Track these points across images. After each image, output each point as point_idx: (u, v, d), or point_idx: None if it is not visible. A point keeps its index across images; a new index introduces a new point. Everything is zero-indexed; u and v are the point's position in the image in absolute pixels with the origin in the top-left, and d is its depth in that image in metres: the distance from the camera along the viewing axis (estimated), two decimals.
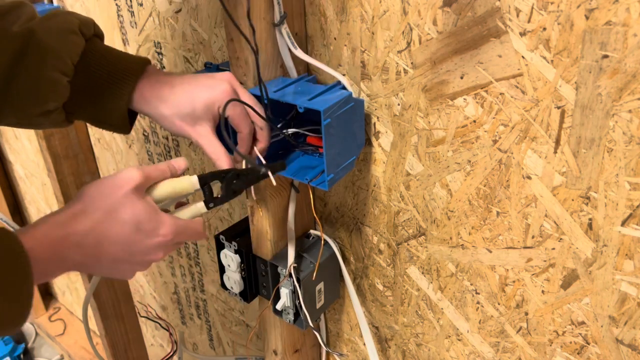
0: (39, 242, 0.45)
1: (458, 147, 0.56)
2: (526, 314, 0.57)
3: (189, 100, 0.56)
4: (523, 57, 0.47)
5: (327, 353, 0.86)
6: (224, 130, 0.52)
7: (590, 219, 0.48)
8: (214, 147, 0.57)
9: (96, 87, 0.56)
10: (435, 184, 0.59)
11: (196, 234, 0.54)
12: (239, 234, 0.74)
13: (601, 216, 0.48)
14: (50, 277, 0.47)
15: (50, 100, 0.55)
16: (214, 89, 0.56)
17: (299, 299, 0.68)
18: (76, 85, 0.56)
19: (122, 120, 0.58)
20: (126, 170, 0.50)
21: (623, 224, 0.46)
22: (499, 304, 0.59)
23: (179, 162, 0.55)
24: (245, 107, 0.57)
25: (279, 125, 0.64)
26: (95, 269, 0.50)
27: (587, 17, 0.42)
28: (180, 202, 0.56)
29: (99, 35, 0.59)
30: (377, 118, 0.62)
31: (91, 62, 0.56)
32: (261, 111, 0.58)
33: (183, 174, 0.56)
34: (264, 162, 0.59)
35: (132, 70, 0.57)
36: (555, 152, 0.48)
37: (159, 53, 0.90)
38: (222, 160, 0.57)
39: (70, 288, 1.94)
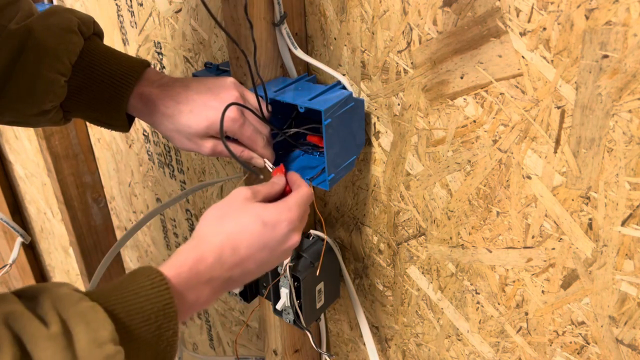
0: (178, 272, 0.45)
1: (458, 147, 0.56)
2: (526, 314, 0.57)
3: (197, 122, 0.55)
4: (523, 57, 0.47)
5: (327, 353, 0.86)
6: (226, 145, 0.53)
7: (590, 219, 0.48)
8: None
9: (94, 87, 0.56)
10: (435, 184, 0.59)
11: (306, 194, 0.54)
12: None
13: (601, 216, 0.48)
14: (202, 305, 0.47)
15: (47, 100, 0.54)
16: (221, 110, 0.54)
17: (299, 299, 0.68)
18: (74, 85, 0.55)
19: (121, 121, 0.58)
20: (235, 189, 0.52)
21: (623, 224, 0.46)
22: (499, 304, 0.59)
23: (281, 179, 0.55)
24: (254, 123, 0.57)
25: (284, 127, 0.64)
26: (245, 277, 0.50)
27: (587, 17, 0.42)
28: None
29: (98, 33, 0.59)
30: (377, 118, 0.62)
31: (89, 63, 0.55)
32: (266, 114, 0.58)
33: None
34: (271, 167, 0.59)
35: (131, 72, 0.56)
36: (555, 152, 0.48)
37: (159, 53, 0.90)
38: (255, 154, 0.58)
39: None
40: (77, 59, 0.55)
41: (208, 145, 0.57)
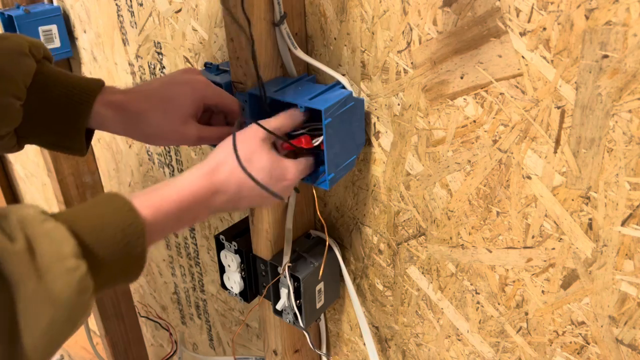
0: (189, 190, 0.49)
1: (458, 147, 0.56)
2: (526, 314, 0.57)
3: (169, 113, 0.56)
4: (523, 57, 0.47)
5: (327, 353, 0.86)
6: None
7: (590, 219, 0.48)
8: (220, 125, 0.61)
9: (51, 109, 0.55)
10: (435, 184, 0.59)
11: (310, 166, 0.58)
12: (239, 234, 0.74)
13: (601, 216, 0.48)
14: (197, 219, 0.51)
15: (2, 125, 0.53)
16: (185, 94, 0.57)
17: (299, 299, 0.68)
18: (29, 109, 0.54)
19: (79, 143, 0.57)
20: (251, 125, 0.54)
21: (623, 224, 0.46)
22: (499, 304, 0.59)
23: (297, 113, 0.57)
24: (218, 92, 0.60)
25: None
26: (233, 209, 0.55)
27: (587, 17, 0.42)
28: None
29: (48, 57, 0.58)
30: (377, 118, 0.62)
31: (44, 84, 0.55)
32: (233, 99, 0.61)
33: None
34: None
35: (89, 89, 0.56)
36: (555, 152, 0.48)
37: (159, 53, 0.90)
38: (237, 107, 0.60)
39: None
40: (31, 81, 0.54)
41: (192, 131, 0.57)
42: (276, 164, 0.53)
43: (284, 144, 0.57)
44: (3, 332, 0.36)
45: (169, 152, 1.01)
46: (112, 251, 0.42)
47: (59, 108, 0.55)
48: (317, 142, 0.57)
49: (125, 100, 0.57)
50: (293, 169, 0.55)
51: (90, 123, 0.57)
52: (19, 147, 0.58)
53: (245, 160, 0.52)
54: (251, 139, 0.53)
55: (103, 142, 1.23)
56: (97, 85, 0.57)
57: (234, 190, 0.52)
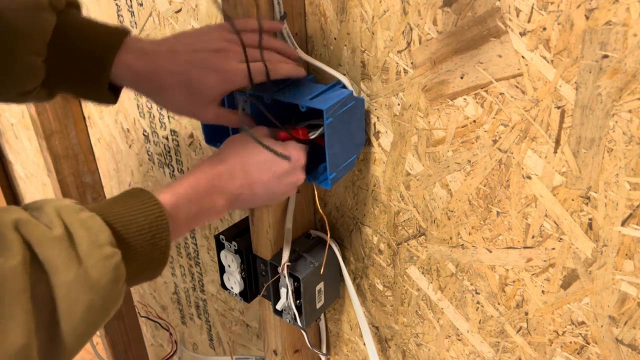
0: (202, 175, 0.51)
1: (458, 147, 0.56)
2: (526, 314, 0.57)
3: (193, 96, 0.55)
4: (523, 57, 0.47)
5: (327, 353, 0.86)
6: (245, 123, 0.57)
7: (590, 219, 0.48)
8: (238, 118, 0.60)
9: (73, 63, 0.54)
10: (435, 184, 0.59)
11: (305, 150, 0.59)
12: (239, 234, 0.74)
13: (601, 216, 0.48)
14: (215, 208, 0.52)
15: (27, 82, 0.53)
16: (215, 85, 0.55)
17: (299, 299, 0.68)
18: (52, 64, 0.54)
19: (106, 96, 0.57)
20: (256, 128, 0.58)
21: (623, 224, 0.46)
22: (499, 304, 0.59)
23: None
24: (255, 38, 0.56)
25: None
26: (252, 197, 0.55)
27: (587, 17, 0.42)
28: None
29: (73, 3, 0.56)
30: (377, 118, 0.62)
31: (65, 39, 0.54)
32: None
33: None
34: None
35: (110, 44, 0.54)
36: (555, 152, 0.48)
37: None
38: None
39: None
40: (52, 36, 0.53)
41: (210, 114, 0.57)
42: (280, 145, 0.56)
43: (281, 133, 0.58)
44: (43, 316, 0.36)
45: (169, 152, 1.01)
46: (141, 242, 0.44)
47: (81, 63, 0.54)
48: (313, 135, 0.58)
49: (149, 68, 0.55)
50: (297, 148, 0.57)
51: (113, 79, 0.56)
52: (50, 97, 0.58)
53: (248, 147, 0.54)
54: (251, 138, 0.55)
55: (103, 142, 1.23)
56: (118, 38, 0.54)
57: (245, 173, 0.53)
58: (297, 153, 0.56)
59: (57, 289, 0.37)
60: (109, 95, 0.57)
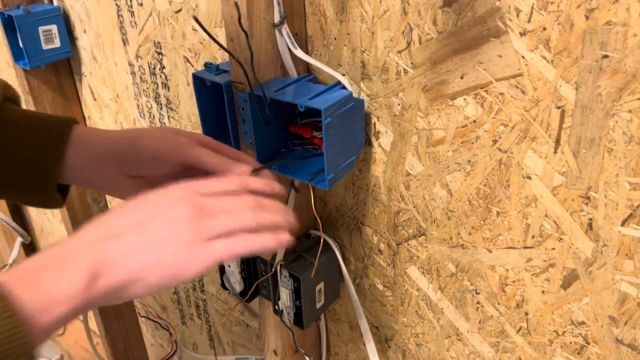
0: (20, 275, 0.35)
1: (458, 147, 0.56)
2: (526, 314, 0.57)
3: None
4: (523, 57, 0.47)
5: (327, 353, 0.86)
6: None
7: (590, 219, 0.48)
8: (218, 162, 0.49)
9: (15, 160, 0.45)
10: (435, 184, 0.59)
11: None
12: None
13: (601, 216, 0.48)
14: (62, 291, 0.35)
15: None
16: (166, 150, 0.47)
17: (299, 299, 0.68)
18: None
19: (52, 196, 0.47)
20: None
21: (623, 224, 0.46)
22: (499, 304, 0.59)
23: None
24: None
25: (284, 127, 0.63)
26: (134, 250, 0.38)
27: (587, 17, 0.42)
28: None
29: (12, 98, 0.50)
30: (377, 118, 0.62)
31: (4, 135, 0.46)
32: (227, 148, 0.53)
33: None
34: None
35: (57, 134, 0.46)
36: (555, 152, 0.48)
37: (159, 53, 0.90)
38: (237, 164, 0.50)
39: None
40: None
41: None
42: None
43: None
44: None
45: None
46: None
47: (23, 160, 0.46)
48: (317, 134, 0.58)
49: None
50: (181, 184, 0.42)
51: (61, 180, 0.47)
52: None
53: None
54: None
55: None
56: (66, 126, 0.46)
57: (107, 220, 0.39)
58: (178, 187, 0.42)
59: None
60: (56, 196, 0.48)
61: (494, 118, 0.52)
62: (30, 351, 0.32)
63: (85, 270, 0.35)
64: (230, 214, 0.41)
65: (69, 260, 0.36)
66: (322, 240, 0.70)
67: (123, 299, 0.38)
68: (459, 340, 0.65)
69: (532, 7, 0.45)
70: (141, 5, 0.88)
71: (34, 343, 0.33)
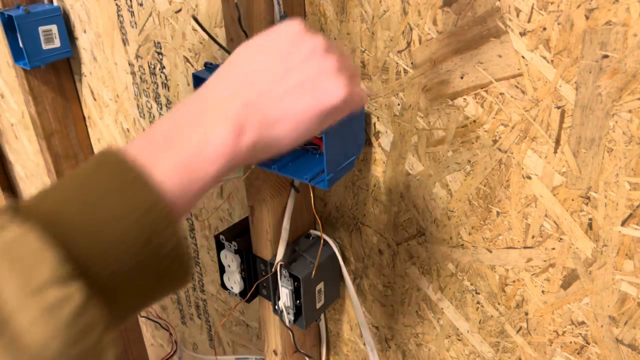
0: (174, 112, 0.33)
1: (458, 147, 0.56)
2: (526, 314, 0.57)
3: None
4: (523, 57, 0.47)
5: (327, 353, 0.86)
6: None
7: (590, 219, 0.48)
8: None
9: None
10: (435, 184, 0.59)
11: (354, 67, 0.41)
12: (239, 234, 0.74)
13: (601, 216, 0.48)
14: (214, 149, 0.31)
15: None
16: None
17: (299, 299, 0.68)
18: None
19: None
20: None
21: (623, 224, 0.46)
22: (499, 304, 0.59)
23: None
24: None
25: None
26: (270, 105, 0.34)
27: (587, 17, 0.42)
28: None
29: None
30: (377, 118, 0.62)
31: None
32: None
33: None
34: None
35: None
36: (555, 152, 0.48)
37: (159, 53, 0.90)
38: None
39: None
40: None
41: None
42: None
43: None
44: None
45: None
46: (127, 254, 0.27)
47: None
48: (319, 135, 0.57)
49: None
50: (322, 37, 0.37)
51: None
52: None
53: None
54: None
55: (103, 142, 1.23)
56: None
57: (245, 72, 0.35)
58: (319, 38, 0.37)
59: None
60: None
61: (494, 118, 0.52)
62: (177, 220, 0.29)
63: (232, 124, 0.32)
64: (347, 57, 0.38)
65: (211, 116, 0.32)
66: (322, 240, 0.70)
67: (268, 153, 0.35)
68: (459, 340, 0.65)
69: (532, 7, 0.45)
70: (141, 5, 0.88)
71: (179, 213, 0.30)
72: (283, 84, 0.35)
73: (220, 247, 0.75)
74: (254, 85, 0.34)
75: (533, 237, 0.53)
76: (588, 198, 0.48)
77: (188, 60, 0.85)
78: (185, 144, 0.31)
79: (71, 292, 0.24)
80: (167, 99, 0.93)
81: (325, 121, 0.36)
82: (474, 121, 0.53)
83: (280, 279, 0.69)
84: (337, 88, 0.36)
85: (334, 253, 0.72)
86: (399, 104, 0.59)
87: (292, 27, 0.37)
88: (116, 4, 0.94)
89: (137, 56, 0.95)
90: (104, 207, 0.27)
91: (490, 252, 0.57)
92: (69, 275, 0.25)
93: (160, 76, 0.92)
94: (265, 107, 0.34)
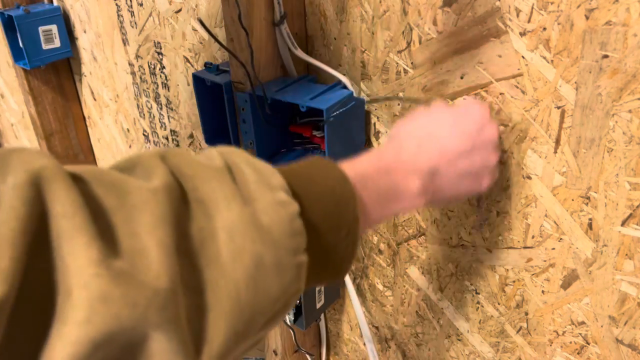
0: (379, 158, 0.40)
1: None
2: (526, 314, 0.57)
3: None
4: (523, 57, 0.47)
5: (327, 353, 0.86)
6: None
7: (590, 219, 0.48)
8: None
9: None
10: None
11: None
12: None
13: (601, 216, 0.48)
14: (407, 195, 0.40)
15: None
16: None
17: (299, 299, 0.68)
18: None
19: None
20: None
21: (623, 224, 0.46)
22: (499, 304, 0.59)
23: None
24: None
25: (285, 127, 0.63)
26: (450, 173, 0.43)
27: (587, 17, 0.42)
28: None
29: None
30: (377, 118, 0.62)
31: None
32: None
33: None
34: None
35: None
36: (555, 152, 0.48)
37: (159, 53, 0.90)
38: None
39: None
40: None
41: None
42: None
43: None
44: (194, 264, 0.26)
45: None
46: (324, 213, 0.33)
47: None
48: (316, 133, 0.58)
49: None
50: (494, 124, 0.47)
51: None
52: None
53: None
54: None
55: (103, 142, 1.23)
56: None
57: (435, 141, 0.43)
58: (493, 128, 0.46)
59: (215, 230, 0.27)
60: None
61: (493, 118, 0.52)
62: (360, 236, 0.36)
63: (421, 185, 0.41)
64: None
65: (410, 175, 0.41)
66: None
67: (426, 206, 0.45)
68: (459, 340, 0.65)
69: (532, 7, 0.45)
70: (141, 5, 0.88)
71: (362, 230, 0.37)
72: (461, 165, 0.43)
73: None
74: (444, 160, 0.42)
75: (533, 237, 0.53)
76: (588, 198, 0.48)
77: (188, 60, 0.85)
78: (389, 184, 0.40)
79: (292, 201, 0.31)
80: (167, 99, 0.93)
81: (469, 196, 0.50)
82: None
83: None
84: (489, 181, 0.47)
85: None
86: (399, 104, 0.59)
87: (481, 111, 0.46)
88: (116, 4, 0.94)
89: (137, 56, 0.95)
90: (315, 175, 0.35)
91: (490, 252, 0.57)
92: (290, 192, 0.31)
93: (160, 76, 0.92)
94: (444, 180, 0.43)
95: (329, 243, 0.34)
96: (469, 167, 0.44)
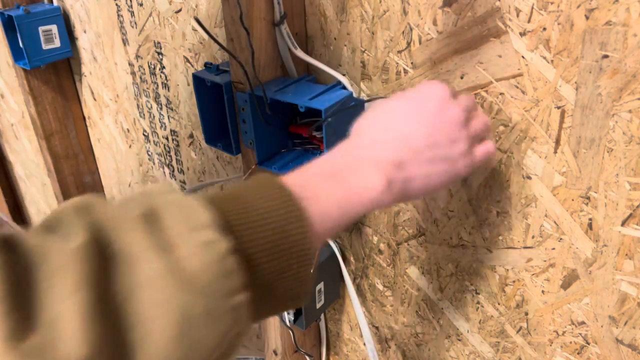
0: (332, 155, 0.39)
1: None
2: (526, 314, 0.57)
3: None
4: (523, 57, 0.47)
5: (327, 353, 0.86)
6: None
7: (590, 219, 0.48)
8: None
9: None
10: None
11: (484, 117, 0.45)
12: None
13: (601, 216, 0.48)
14: (368, 193, 0.37)
15: None
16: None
17: None
18: None
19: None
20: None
21: (623, 224, 0.46)
22: (499, 304, 0.59)
23: None
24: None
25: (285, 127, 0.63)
26: (419, 165, 0.39)
27: (587, 17, 0.42)
28: None
29: None
30: None
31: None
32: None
33: None
34: None
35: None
36: (555, 152, 0.48)
37: (159, 53, 0.90)
38: None
39: None
40: None
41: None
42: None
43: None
44: (114, 323, 0.25)
45: (169, 152, 1.01)
46: (265, 241, 0.31)
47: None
48: (316, 133, 0.58)
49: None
50: (462, 98, 0.43)
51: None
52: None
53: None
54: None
55: (103, 142, 1.23)
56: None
57: (395, 130, 0.40)
58: (462, 101, 0.43)
59: (136, 286, 0.26)
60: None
61: (494, 118, 0.52)
62: (314, 254, 0.34)
63: (384, 178, 0.38)
64: (484, 120, 0.44)
65: (368, 169, 0.38)
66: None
67: (399, 201, 0.41)
68: (459, 340, 0.65)
69: (532, 7, 0.45)
70: (141, 5, 0.88)
71: (316, 247, 0.35)
72: (428, 153, 0.40)
73: None
74: (407, 148, 0.39)
75: (533, 237, 0.53)
76: (588, 198, 0.48)
77: (188, 60, 0.85)
78: (344, 186, 0.37)
79: (221, 238, 0.29)
80: (167, 99, 0.93)
81: (450, 185, 0.46)
82: None
83: None
84: (468, 165, 0.42)
85: (334, 253, 0.72)
86: None
87: (438, 90, 0.42)
88: (116, 4, 0.94)
89: (137, 56, 0.95)
90: (254, 199, 0.33)
91: (490, 252, 0.57)
92: (219, 227, 0.29)
93: (160, 76, 0.92)
94: (412, 170, 0.39)
95: (274, 271, 0.32)
96: (436, 151, 0.40)
